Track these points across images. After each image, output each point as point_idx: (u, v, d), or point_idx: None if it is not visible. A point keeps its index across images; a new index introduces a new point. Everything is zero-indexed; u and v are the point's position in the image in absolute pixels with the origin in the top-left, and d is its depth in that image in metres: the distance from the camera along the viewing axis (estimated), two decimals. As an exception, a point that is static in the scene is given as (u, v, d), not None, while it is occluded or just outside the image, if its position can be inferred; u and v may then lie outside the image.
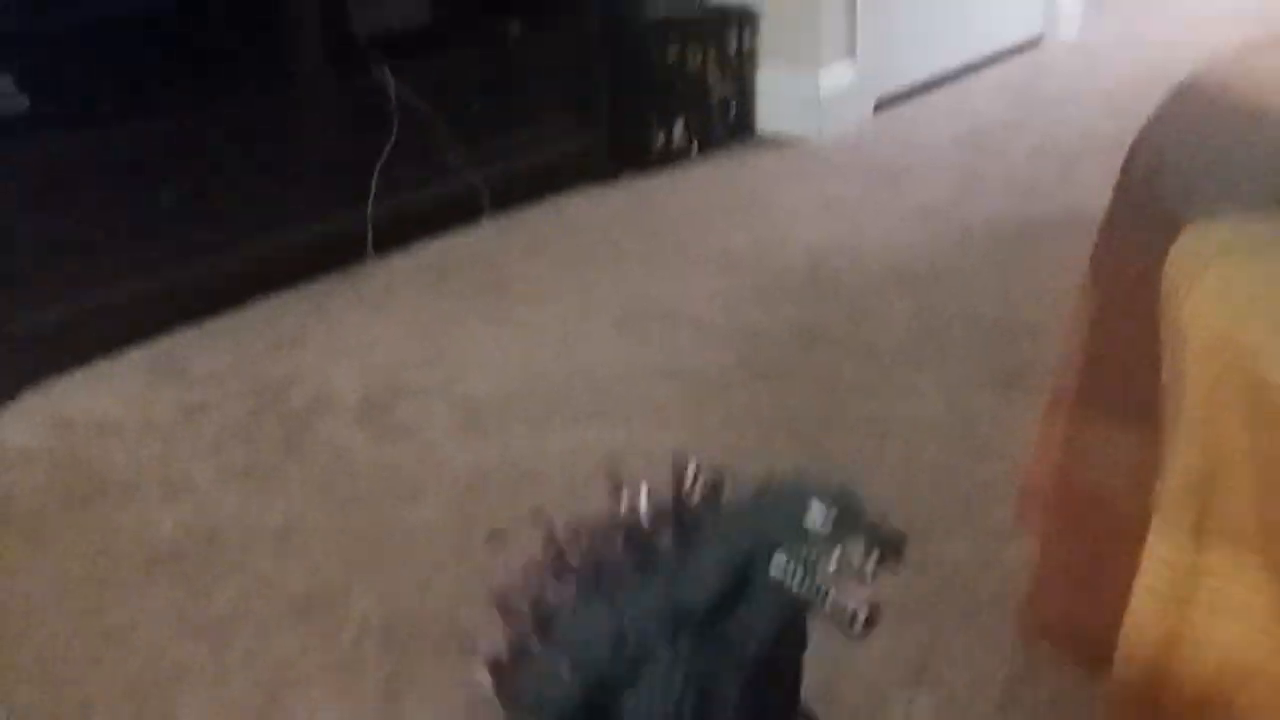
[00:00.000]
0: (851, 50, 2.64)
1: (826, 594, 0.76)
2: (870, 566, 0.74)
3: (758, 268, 1.95)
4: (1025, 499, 0.80)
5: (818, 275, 1.90)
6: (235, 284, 1.94)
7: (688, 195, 2.35)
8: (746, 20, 2.59)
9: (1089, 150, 2.38)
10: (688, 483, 0.90)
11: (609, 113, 2.39)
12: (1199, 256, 0.49)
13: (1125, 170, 0.63)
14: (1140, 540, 0.55)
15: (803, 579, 0.77)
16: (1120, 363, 0.58)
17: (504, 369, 1.71)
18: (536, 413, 1.58)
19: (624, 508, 0.90)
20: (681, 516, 0.89)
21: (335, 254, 2.05)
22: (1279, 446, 0.44)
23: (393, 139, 2.04)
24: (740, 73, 2.61)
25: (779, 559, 0.78)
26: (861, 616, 0.74)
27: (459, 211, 2.20)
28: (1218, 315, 0.46)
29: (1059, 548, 0.72)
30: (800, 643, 0.87)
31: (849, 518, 0.77)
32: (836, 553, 0.75)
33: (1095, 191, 2.12)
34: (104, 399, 1.67)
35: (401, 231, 2.12)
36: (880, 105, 2.76)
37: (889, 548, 0.74)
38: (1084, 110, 2.65)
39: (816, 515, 0.78)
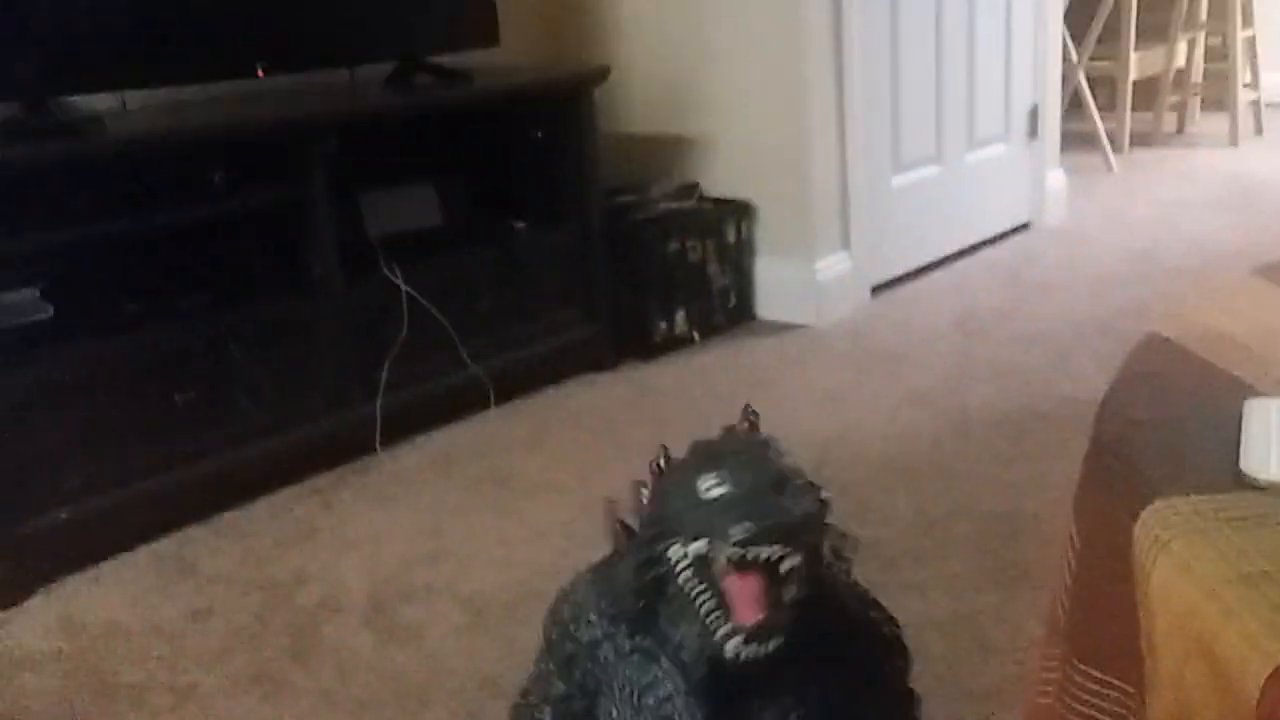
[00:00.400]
0: (846, 241, 2.75)
1: (703, 603, 0.66)
2: (711, 555, 0.64)
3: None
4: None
5: (820, 471, 1.92)
6: (245, 481, 1.97)
7: (689, 383, 2.40)
8: (744, 213, 2.71)
9: (1079, 338, 2.45)
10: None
11: (611, 304, 2.48)
12: (1161, 536, 0.52)
13: (1095, 432, 0.66)
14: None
15: (689, 579, 0.67)
16: (1104, 616, 0.60)
17: (509, 565, 1.71)
18: (541, 614, 1.57)
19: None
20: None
21: (344, 448, 2.09)
22: (1248, 728, 0.46)
23: (402, 335, 2.11)
24: (739, 263, 2.71)
25: (675, 549, 0.68)
26: (731, 646, 0.64)
27: (466, 403, 2.26)
28: (1179, 598, 0.48)
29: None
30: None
31: (731, 496, 0.66)
32: (690, 549, 0.66)
33: (1086, 382, 2.19)
34: (113, 600, 1.68)
35: (409, 424, 2.17)
36: (877, 289, 2.86)
37: (753, 537, 0.63)
38: (1073, 296, 2.73)
39: (706, 489, 0.68)
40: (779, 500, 0.66)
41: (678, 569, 0.68)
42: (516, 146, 2.48)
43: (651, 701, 0.71)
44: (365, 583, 1.69)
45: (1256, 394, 0.70)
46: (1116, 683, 0.60)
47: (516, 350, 2.34)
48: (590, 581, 0.84)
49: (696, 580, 0.67)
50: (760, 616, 0.65)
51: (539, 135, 2.46)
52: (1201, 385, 0.70)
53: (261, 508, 1.95)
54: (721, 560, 0.65)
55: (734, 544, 0.63)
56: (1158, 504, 0.56)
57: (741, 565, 0.65)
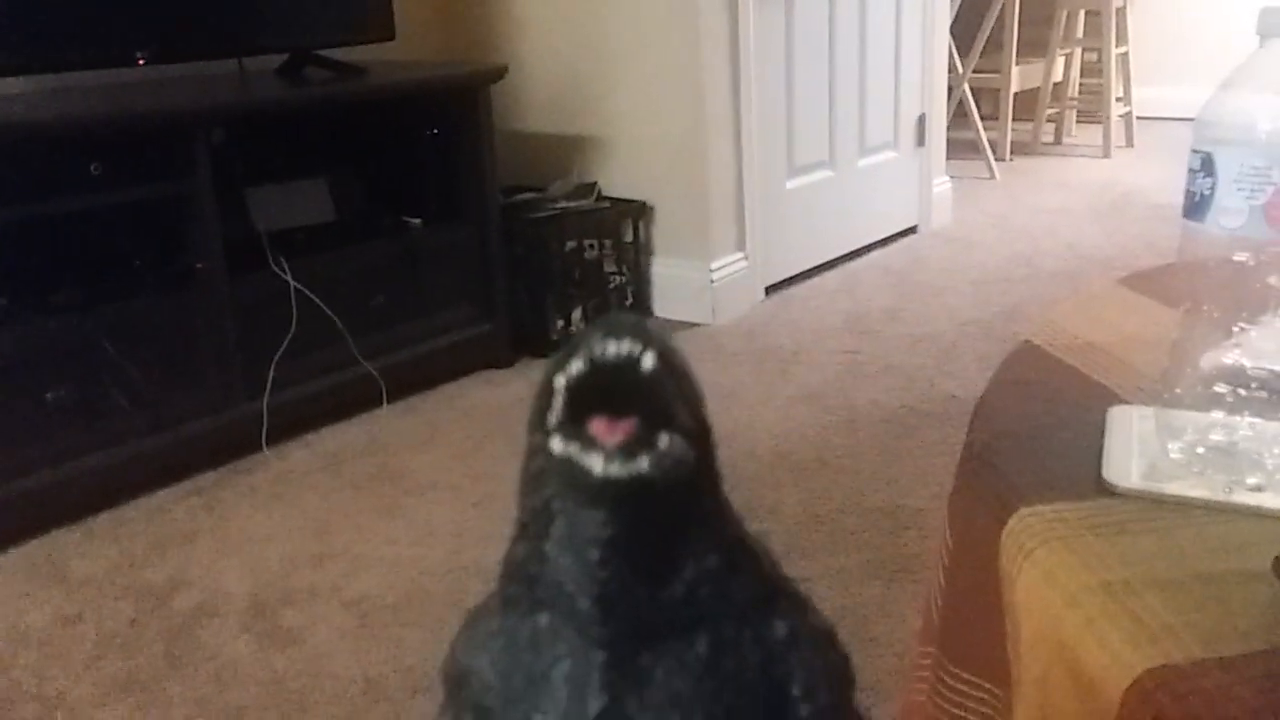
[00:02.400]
0: (741, 242, 2.79)
1: (569, 451, 0.62)
2: (572, 372, 0.60)
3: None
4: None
5: (712, 466, 1.95)
6: (122, 482, 1.90)
7: (586, 382, 2.40)
8: (641, 213, 2.72)
9: (963, 338, 2.53)
10: None
11: (508, 301, 2.46)
12: (1026, 544, 0.54)
13: (967, 439, 0.68)
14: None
15: (560, 443, 0.62)
16: (974, 619, 0.62)
17: (397, 566, 1.69)
18: (429, 615, 1.56)
19: None
20: None
21: (229, 447, 2.03)
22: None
23: (291, 331, 2.06)
24: (636, 262, 2.72)
25: (553, 437, 0.65)
26: (595, 462, 0.60)
27: (357, 401, 2.22)
28: (1042, 607, 0.50)
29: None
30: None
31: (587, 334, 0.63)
32: (560, 381, 0.61)
33: (969, 381, 2.26)
34: (-26, 608, 1.60)
35: (298, 422, 2.12)
36: (771, 289, 2.90)
37: (603, 340, 0.59)
38: (957, 298, 2.82)
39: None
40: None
41: (548, 443, 0.63)
42: (413, 143, 2.45)
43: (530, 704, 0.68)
44: (246, 586, 1.64)
45: (1120, 402, 0.74)
46: (985, 684, 0.62)
47: (411, 347, 2.30)
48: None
49: (560, 444, 0.62)
50: (619, 437, 0.61)
51: (435, 132, 2.43)
52: (1069, 393, 0.73)
53: (138, 509, 1.88)
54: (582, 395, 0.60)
55: (576, 360, 0.58)
56: (1023, 512, 0.58)
57: (598, 381, 0.60)
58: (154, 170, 1.92)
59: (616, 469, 0.61)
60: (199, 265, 1.96)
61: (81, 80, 2.11)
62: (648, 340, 0.64)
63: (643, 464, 0.62)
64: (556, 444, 0.62)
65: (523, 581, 0.69)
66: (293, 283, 2.05)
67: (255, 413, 2.04)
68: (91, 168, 1.84)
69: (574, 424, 0.63)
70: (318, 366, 2.14)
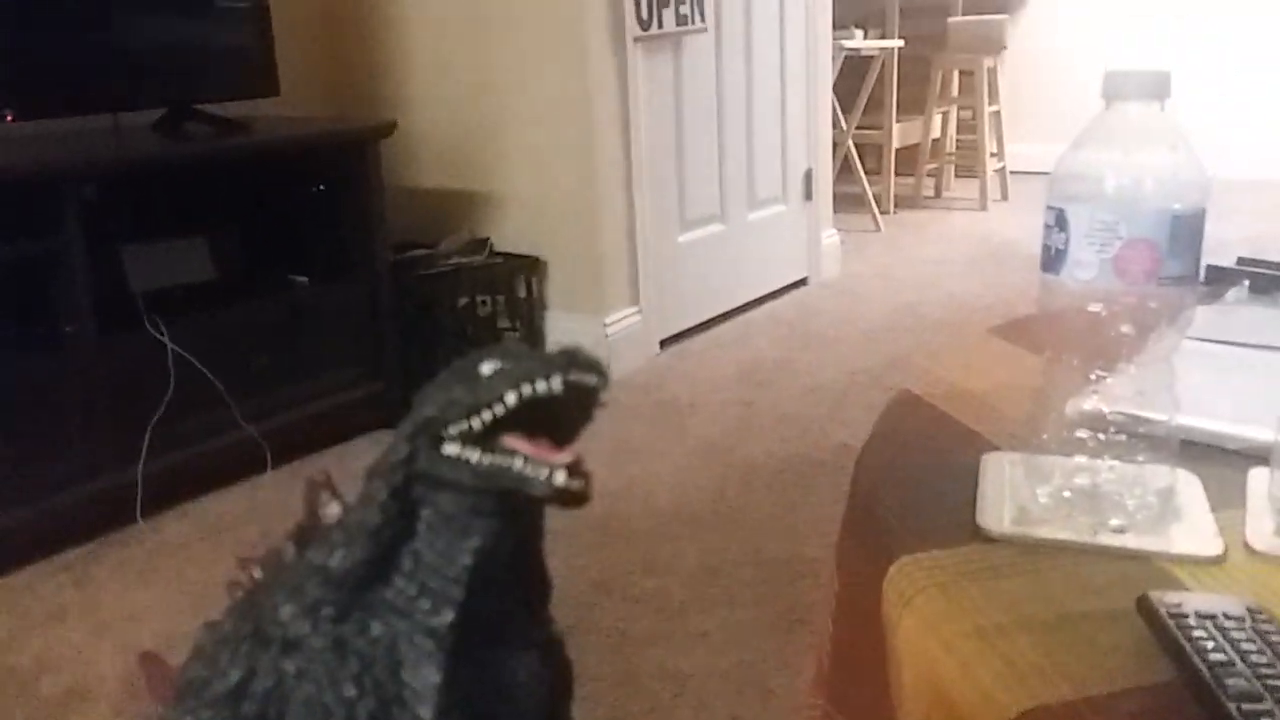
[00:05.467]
0: (635, 296, 2.81)
1: (512, 460, 0.63)
2: (551, 387, 0.61)
3: (550, 515, 1.97)
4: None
5: (609, 523, 1.93)
6: (-17, 558, 1.79)
7: (480, 439, 2.37)
8: (535, 268, 2.72)
9: (853, 387, 2.58)
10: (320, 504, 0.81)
11: (399, 359, 2.42)
12: (905, 591, 0.55)
13: (852, 484, 0.69)
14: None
15: (482, 452, 0.63)
16: (860, 666, 0.62)
17: (285, 638, 1.62)
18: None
19: (307, 513, 0.81)
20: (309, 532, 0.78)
21: (100, 519, 1.93)
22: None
23: (168, 395, 1.98)
24: (530, 317, 2.71)
25: (449, 445, 0.64)
26: (559, 476, 0.62)
27: (239, 466, 2.14)
28: (922, 653, 0.50)
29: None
30: (525, 551, 0.72)
31: (522, 355, 0.64)
32: (511, 396, 0.62)
33: (860, 430, 2.30)
34: None
35: (175, 490, 2.04)
36: (666, 342, 2.92)
37: (578, 367, 0.61)
38: (847, 348, 2.88)
39: (487, 371, 0.64)
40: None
41: (459, 454, 0.64)
42: (299, 200, 2.40)
43: (352, 693, 0.66)
44: (119, 667, 1.55)
45: (992, 448, 0.75)
46: (872, 732, 0.62)
47: (298, 409, 2.24)
48: (280, 582, 0.74)
49: (485, 455, 0.63)
50: (568, 458, 0.64)
51: (322, 188, 2.39)
52: (945, 441, 0.74)
53: (2, 588, 1.77)
54: (508, 415, 0.62)
55: (555, 377, 0.60)
56: (903, 560, 0.59)
57: (546, 410, 0.62)
58: (21, 227, 1.84)
59: (576, 484, 0.62)
60: (68, 328, 1.88)
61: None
62: (605, 378, 0.66)
63: (588, 485, 0.66)
64: (475, 453, 0.63)
65: (352, 591, 0.67)
66: (169, 344, 1.98)
67: (129, 481, 1.95)
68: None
69: (493, 436, 0.64)
70: (197, 431, 2.06)
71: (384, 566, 0.68)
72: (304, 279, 2.30)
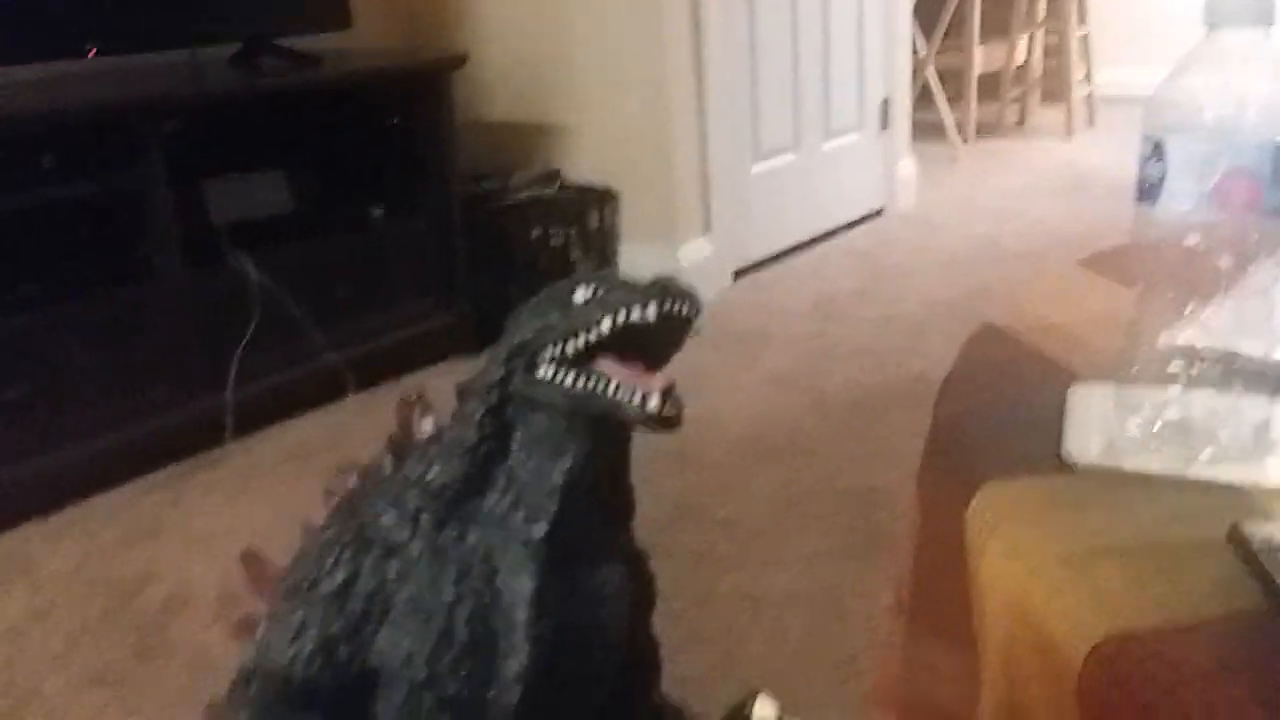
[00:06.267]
0: (708, 227, 2.79)
1: (606, 385, 0.64)
2: (646, 316, 0.62)
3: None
4: (875, 701, 0.84)
5: (685, 450, 1.95)
6: (86, 477, 1.88)
7: (554, 369, 2.40)
8: (607, 199, 2.71)
9: (931, 319, 2.55)
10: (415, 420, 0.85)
11: (472, 291, 2.45)
12: (989, 519, 0.55)
13: (933, 418, 0.69)
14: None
15: (576, 376, 0.65)
16: (942, 591, 0.63)
17: (370, 558, 1.68)
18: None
19: (401, 429, 0.85)
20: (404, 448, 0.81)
21: (193, 441, 2.01)
22: (1068, 697, 0.49)
23: (253, 324, 2.04)
24: (603, 249, 2.71)
25: (544, 368, 0.65)
26: (653, 401, 0.63)
27: (322, 392, 2.20)
28: (1007, 579, 0.51)
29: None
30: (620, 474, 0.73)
31: (615, 283, 0.65)
32: (606, 323, 0.63)
33: (938, 361, 2.27)
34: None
35: (262, 415, 2.10)
36: (739, 273, 2.91)
37: (672, 296, 0.63)
38: (924, 279, 2.84)
39: (580, 297, 0.66)
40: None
41: (554, 376, 0.65)
42: (373, 133, 2.42)
43: (451, 597, 0.69)
44: (215, 578, 1.63)
45: (1080, 381, 0.75)
46: (953, 653, 0.63)
47: (375, 338, 2.29)
48: (380, 491, 0.77)
49: (579, 379, 0.64)
50: (663, 383, 0.66)
51: (395, 121, 2.40)
52: (1030, 373, 0.74)
53: (104, 504, 1.86)
54: (606, 338, 0.63)
55: (650, 305, 0.62)
56: (987, 488, 0.59)
57: (646, 333, 0.63)
58: (107, 163, 1.89)
59: (669, 409, 0.65)
60: (156, 260, 1.94)
61: (30, 73, 2.07)
62: (699, 307, 0.68)
63: (681, 410, 0.68)
64: (569, 376, 0.65)
65: (450, 503, 0.70)
66: (253, 274, 2.03)
67: (219, 406, 2.02)
68: (43, 162, 1.81)
69: (587, 361, 0.66)
70: (281, 359, 2.12)
71: (480, 482, 0.70)
72: (379, 211, 2.33)
